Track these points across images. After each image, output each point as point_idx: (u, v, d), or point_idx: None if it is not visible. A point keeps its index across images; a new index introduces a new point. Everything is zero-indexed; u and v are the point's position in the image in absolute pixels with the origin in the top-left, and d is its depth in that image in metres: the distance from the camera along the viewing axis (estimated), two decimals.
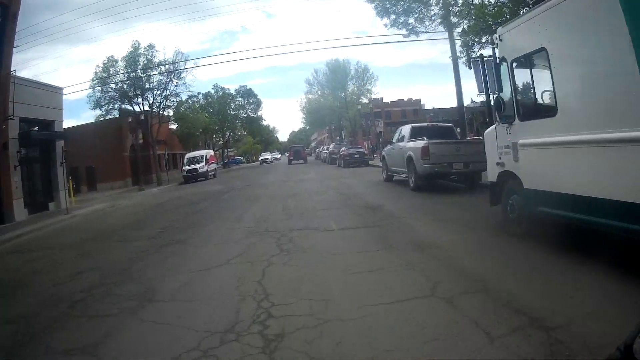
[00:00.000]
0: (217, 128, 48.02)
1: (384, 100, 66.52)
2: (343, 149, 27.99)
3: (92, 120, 31.89)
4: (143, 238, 7.82)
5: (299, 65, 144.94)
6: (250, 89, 53.82)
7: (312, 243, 6.01)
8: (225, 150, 57.01)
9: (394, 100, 69.89)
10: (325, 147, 40.91)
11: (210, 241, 6.83)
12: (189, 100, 44.32)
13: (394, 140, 13.72)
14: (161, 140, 35.88)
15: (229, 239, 6.78)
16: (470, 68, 19.25)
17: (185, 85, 31.79)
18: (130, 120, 26.89)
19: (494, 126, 5.80)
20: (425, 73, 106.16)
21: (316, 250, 5.60)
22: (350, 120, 42.69)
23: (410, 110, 71.63)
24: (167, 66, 30.41)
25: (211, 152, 33.38)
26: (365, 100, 43.47)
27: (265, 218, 8.55)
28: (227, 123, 51.26)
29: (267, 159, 57.16)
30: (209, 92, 50.64)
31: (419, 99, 72.44)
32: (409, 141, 11.93)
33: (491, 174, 6.00)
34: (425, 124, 13.83)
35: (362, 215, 7.98)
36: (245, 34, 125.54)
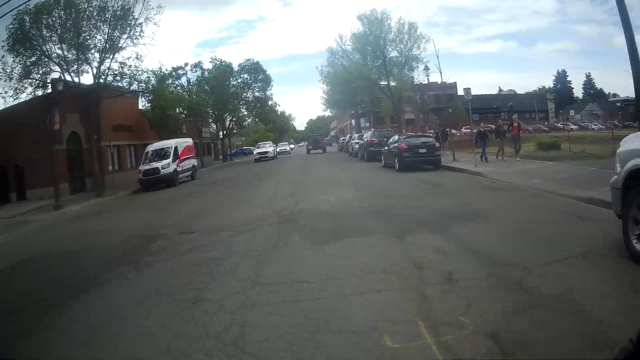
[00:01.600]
0: (212, 111, 36.85)
1: (415, 83, 54.00)
2: (396, 137, 16.43)
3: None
4: None
5: (317, 53, 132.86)
6: (258, 63, 41.82)
7: None
8: (227, 139, 45.42)
9: (427, 83, 57.27)
10: (355, 136, 29.07)
11: None
12: (174, 74, 33.72)
13: None
14: (123, 126, 25.18)
15: None
16: None
17: (142, 35, 20.27)
18: (49, 93, 16.11)
19: None
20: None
21: None
22: (393, 98, 29.61)
23: (445, 95, 59.36)
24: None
25: (188, 141, 22.16)
26: (414, 73, 30.09)
27: None
28: (230, 105, 39.74)
29: (267, 152, 33.96)
30: (199, 62, 39.45)
31: (455, 82, 58.73)
32: None
33: None
34: None
35: None
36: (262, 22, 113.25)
